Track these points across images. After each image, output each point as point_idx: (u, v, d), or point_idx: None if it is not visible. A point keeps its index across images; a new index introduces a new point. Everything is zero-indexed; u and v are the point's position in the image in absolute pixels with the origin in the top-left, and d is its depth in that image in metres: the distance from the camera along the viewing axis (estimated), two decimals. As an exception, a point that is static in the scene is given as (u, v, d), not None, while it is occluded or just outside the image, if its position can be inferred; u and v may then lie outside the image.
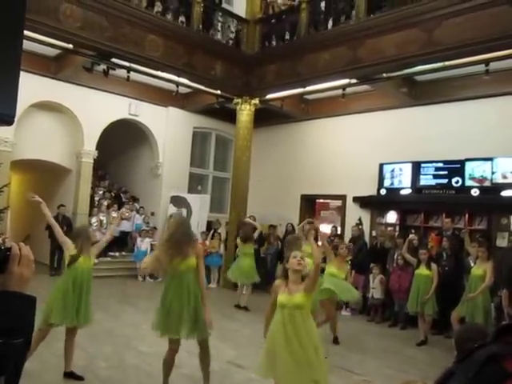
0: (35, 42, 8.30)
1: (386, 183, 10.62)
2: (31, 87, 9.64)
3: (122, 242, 12.34)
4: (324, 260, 6.45)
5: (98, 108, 11.46)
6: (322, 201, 12.71)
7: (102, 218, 11.99)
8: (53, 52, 9.96)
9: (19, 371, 1.14)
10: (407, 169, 10.28)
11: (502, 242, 8.80)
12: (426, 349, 6.89)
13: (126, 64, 9.61)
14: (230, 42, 10.82)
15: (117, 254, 12.11)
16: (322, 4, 9.88)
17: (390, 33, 8.28)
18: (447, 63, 8.19)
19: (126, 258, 12.20)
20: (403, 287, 8.01)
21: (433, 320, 7.37)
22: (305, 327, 3.63)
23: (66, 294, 4.62)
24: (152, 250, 11.52)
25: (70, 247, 4.77)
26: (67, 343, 4.75)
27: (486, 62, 7.85)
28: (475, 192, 9.13)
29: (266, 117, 12.15)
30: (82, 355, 5.29)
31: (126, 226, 12.21)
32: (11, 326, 1.11)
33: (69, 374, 4.74)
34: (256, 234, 9.32)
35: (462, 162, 9.41)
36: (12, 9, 1.42)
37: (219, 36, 10.66)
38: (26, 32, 7.59)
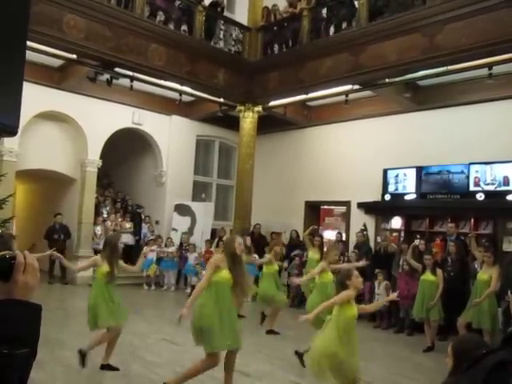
0: (39, 52, 8.37)
1: (391, 189, 10.60)
2: (35, 97, 9.70)
3: (126, 255, 12.29)
4: None
5: (101, 117, 11.52)
6: (326, 207, 12.69)
7: (109, 226, 12.04)
8: (56, 62, 10.04)
9: (24, 383, 1.13)
10: (411, 174, 10.25)
11: (508, 246, 8.75)
12: (432, 355, 6.83)
13: (129, 73, 9.66)
14: (233, 49, 10.86)
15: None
16: (324, 11, 9.93)
17: (392, 38, 8.29)
18: (450, 68, 8.18)
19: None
20: (409, 293, 7.96)
21: (439, 326, 7.31)
22: None
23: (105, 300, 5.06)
24: (158, 258, 11.54)
25: (98, 262, 4.99)
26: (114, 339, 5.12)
27: (489, 65, 7.84)
28: (480, 196, 9.10)
29: (269, 124, 12.16)
30: (88, 364, 5.28)
31: (128, 239, 12.22)
32: (16, 334, 1.11)
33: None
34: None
35: (467, 167, 9.38)
36: (15, 20, 1.43)
37: (221, 44, 10.72)
38: (29, 43, 7.67)
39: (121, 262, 5.33)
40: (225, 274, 4.23)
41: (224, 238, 11.27)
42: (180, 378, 4.33)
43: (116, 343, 5.20)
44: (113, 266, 5.05)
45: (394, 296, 4.96)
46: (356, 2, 9.10)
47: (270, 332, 7.58)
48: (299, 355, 5.58)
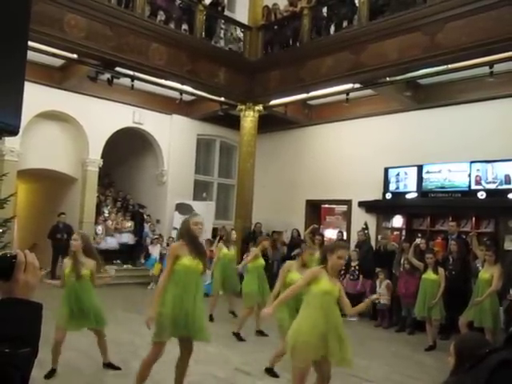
0: (40, 52, 8.37)
1: (392, 187, 10.60)
2: (36, 97, 9.71)
3: (126, 254, 12.31)
4: None
5: (102, 117, 11.53)
6: (327, 206, 12.69)
7: (110, 225, 12.06)
8: (57, 62, 10.04)
9: (26, 382, 1.14)
10: (412, 172, 10.25)
11: (509, 245, 8.75)
12: (434, 354, 6.83)
13: (130, 73, 9.67)
14: (233, 48, 10.86)
15: (124, 266, 12.10)
16: (324, 10, 9.92)
17: (393, 37, 8.29)
18: (450, 66, 8.18)
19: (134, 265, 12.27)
20: (410, 292, 7.96)
21: (440, 325, 7.31)
22: None
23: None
24: (161, 256, 11.54)
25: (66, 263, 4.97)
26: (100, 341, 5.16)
27: (490, 64, 7.84)
28: (481, 195, 9.09)
29: (269, 123, 12.16)
30: (89, 363, 5.29)
31: (127, 239, 12.23)
32: (18, 333, 1.11)
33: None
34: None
35: (468, 165, 9.38)
36: (16, 19, 1.43)
37: (222, 43, 10.71)
38: (30, 43, 7.67)
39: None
40: (186, 260, 3.93)
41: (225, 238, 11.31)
42: (137, 380, 4.14)
43: (105, 343, 5.19)
44: (75, 263, 4.87)
45: (374, 298, 4.68)
46: (356, 1, 9.09)
47: (236, 335, 7.08)
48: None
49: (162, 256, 11.58)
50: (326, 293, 3.68)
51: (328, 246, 3.98)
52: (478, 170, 9.28)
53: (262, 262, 7.37)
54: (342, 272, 9.32)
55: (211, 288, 8.66)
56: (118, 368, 5.22)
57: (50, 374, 4.79)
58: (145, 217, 12.91)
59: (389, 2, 8.62)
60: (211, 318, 7.90)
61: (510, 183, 8.85)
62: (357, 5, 9.06)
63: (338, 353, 3.77)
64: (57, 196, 12.62)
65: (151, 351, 4.04)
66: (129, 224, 12.46)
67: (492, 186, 9.06)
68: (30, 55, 8.33)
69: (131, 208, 13.23)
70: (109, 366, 5.23)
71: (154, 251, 11.69)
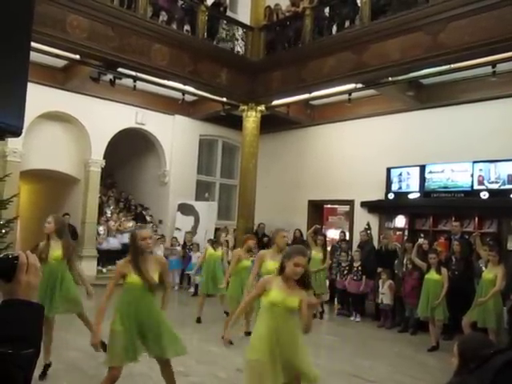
0: (42, 53, 8.38)
1: (394, 187, 10.58)
2: (39, 98, 9.73)
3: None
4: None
5: (104, 117, 11.54)
6: (329, 206, 12.68)
7: (112, 226, 12.07)
8: (60, 63, 10.05)
9: (28, 383, 1.14)
10: (415, 172, 10.24)
11: (512, 244, 8.73)
12: (437, 354, 6.82)
13: (133, 73, 9.67)
14: (235, 49, 10.86)
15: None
16: (326, 10, 9.91)
17: (395, 37, 8.27)
18: (453, 66, 8.16)
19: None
20: (413, 292, 7.94)
21: (444, 325, 7.29)
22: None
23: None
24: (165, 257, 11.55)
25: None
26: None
27: (493, 63, 7.82)
28: (484, 195, 9.07)
29: (272, 123, 12.16)
30: (91, 364, 5.29)
31: (127, 239, 12.22)
32: (21, 334, 1.11)
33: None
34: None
35: (471, 165, 9.36)
36: (19, 20, 1.43)
37: (224, 44, 10.71)
38: (33, 44, 7.67)
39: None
40: (131, 278, 3.73)
41: (226, 238, 11.31)
42: None
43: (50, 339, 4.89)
44: (47, 245, 4.89)
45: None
46: (358, 1, 9.07)
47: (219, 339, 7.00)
48: None
49: (165, 256, 11.58)
50: (274, 304, 3.30)
51: (286, 252, 3.53)
52: (480, 169, 9.26)
53: (246, 263, 7.04)
54: (345, 272, 9.33)
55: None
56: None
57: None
58: (147, 218, 12.89)
59: (391, 2, 8.60)
60: (199, 320, 7.86)
61: (512, 183, 8.83)
62: (359, 5, 9.05)
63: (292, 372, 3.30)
64: (59, 197, 12.64)
65: (106, 377, 3.80)
66: (130, 224, 12.47)
67: (495, 186, 9.04)
68: (33, 56, 8.35)
69: (133, 208, 13.25)
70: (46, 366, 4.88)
71: (157, 252, 11.67)
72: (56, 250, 4.84)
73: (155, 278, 3.82)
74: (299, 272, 3.32)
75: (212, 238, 11.79)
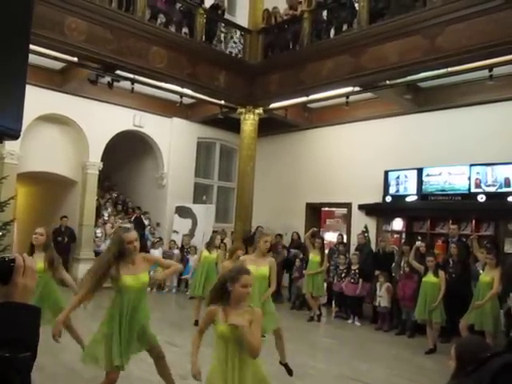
0: (40, 55, 8.38)
1: (392, 190, 10.60)
2: (37, 100, 9.72)
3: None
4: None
5: (102, 120, 11.54)
6: (327, 209, 12.69)
7: (109, 228, 12.04)
8: (58, 65, 10.05)
9: None
10: (412, 175, 10.26)
11: (510, 247, 8.75)
12: (434, 357, 6.82)
13: (131, 76, 9.68)
14: (233, 52, 10.87)
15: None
16: (324, 13, 9.94)
17: (393, 40, 8.30)
18: (450, 69, 8.18)
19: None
20: (410, 295, 7.95)
21: (441, 328, 7.30)
22: None
23: None
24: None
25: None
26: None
27: (490, 67, 7.84)
28: (481, 198, 9.09)
29: (270, 126, 12.17)
30: (89, 367, 5.26)
31: None
32: (17, 337, 1.11)
33: None
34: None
35: (468, 168, 9.38)
36: (17, 22, 1.43)
37: (222, 46, 10.73)
38: (31, 46, 7.68)
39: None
40: (124, 281, 3.75)
41: (225, 241, 11.31)
42: None
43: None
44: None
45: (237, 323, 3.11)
46: (356, 5, 9.10)
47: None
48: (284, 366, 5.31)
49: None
50: (220, 337, 2.96)
51: (228, 274, 3.05)
52: (477, 172, 9.28)
53: None
54: (343, 275, 9.33)
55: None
56: None
57: None
58: (146, 223, 12.73)
59: (388, 6, 8.63)
60: (197, 323, 7.72)
61: (509, 186, 8.85)
62: (357, 8, 9.07)
63: None
64: (57, 199, 12.62)
65: (104, 381, 3.86)
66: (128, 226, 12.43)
67: (492, 189, 9.06)
68: (31, 58, 8.33)
69: (131, 211, 13.22)
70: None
71: (155, 254, 11.63)
72: (38, 263, 4.70)
73: (145, 277, 3.87)
74: (247, 292, 2.98)
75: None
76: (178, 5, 10.06)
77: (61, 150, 11.68)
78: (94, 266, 3.94)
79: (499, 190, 8.98)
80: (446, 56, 7.69)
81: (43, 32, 7.60)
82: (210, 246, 8.66)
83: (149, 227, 12.73)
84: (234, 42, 10.85)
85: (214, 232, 11.36)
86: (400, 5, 8.39)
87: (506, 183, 8.90)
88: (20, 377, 1.10)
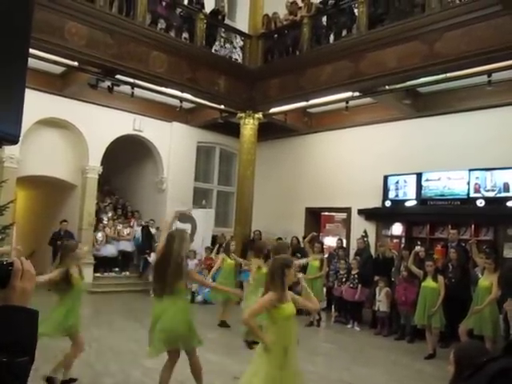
0: (41, 59, 8.41)
1: (391, 195, 10.60)
2: (37, 104, 9.74)
3: (124, 261, 12.24)
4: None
5: (102, 124, 11.55)
6: (327, 214, 12.69)
7: (108, 232, 12.04)
8: (58, 69, 10.08)
9: None
10: (412, 180, 10.26)
11: (508, 252, 8.74)
12: (434, 362, 6.81)
13: (131, 80, 9.70)
14: (233, 57, 10.91)
15: (122, 274, 12.06)
16: (324, 19, 9.98)
17: (392, 46, 8.33)
18: (449, 75, 8.21)
19: (133, 273, 12.24)
20: (409, 300, 7.94)
21: (440, 333, 7.29)
22: None
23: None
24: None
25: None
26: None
27: (488, 72, 7.87)
28: (480, 203, 9.10)
29: (269, 131, 12.19)
30: (88, 372, 5.26)
31: (125, 246, 12.19)
32: (15, 340, 1.11)
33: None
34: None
35: (467, 173, 9.39)
36: (17, 26, 1.43)
37: (222, 52, 10.76)
38: (31, 50, 7.70)
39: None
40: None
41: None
42: None
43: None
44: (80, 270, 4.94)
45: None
46: (356, 10, 9.14)
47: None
48: None
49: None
50: (286, 317, 3.53)
51: (283, 262, 3.65)
52: (477, 177, 9.29)
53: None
54: (344, 279, 9.32)
55: (209, 295, 8.68)
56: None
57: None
58: (153, 231, 12.61)
59: (387, 11, 8.67)
60: (223, 324, 8.17)
61: (508, 191, 8.86)
62: (356, 14, 9.12)
63: None
64: (56, 203, 12.62)
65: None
66: (128, 231, 12.43)
67: (491, 194, 9.07)
68: (31, 62, 8.36)
69: (130, 215, 13.20)
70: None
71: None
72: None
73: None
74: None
75: (209, 245, 11.80)
76: (179, 10, 10.10)
77: (60, 154, 11.69)
78: None
79: (498, 195, 8.99)
80: (445, 61, 7.72)
81: (43, 36, 7.63)
82: (228, 252, 8.79)
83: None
84: (234, 47, 10.88)
85: (220, 237, 11.43)
86: (399, 11, 8.43)
87: (505, 188, 8.90)
88: (18, 382, 1.10)
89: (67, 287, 4.62)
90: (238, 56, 10.97)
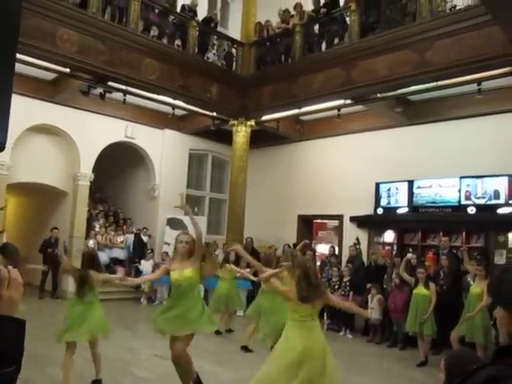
0: (32, 66, 8.39)
1: (383, 202, 10.64)
2: (28, 110, 9.71)
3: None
4: None
5: (94, 131, 11.50)
6: (319, 221, 12.70)
7: (100, 240, 11.96)
8: (50, 76, 10.04)
9: None
10: (403, 188, 10.31)
11: (499, 259, 8.79)
12: (426, 369, 6.80)
13: (123, 87, 9.69)
14: (225, 64, 10.94)
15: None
16: (316, 27, 10.06)
17: (383, 54, 8.41)
18: (440, 83, 8.29)
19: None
20: (398, 306, 7.95)
21: (432, 340, 7.29)
22: None
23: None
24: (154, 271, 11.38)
25: None
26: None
27: (478, 81, 7.96)
28: (471, 210, 9.15)
29: (261, 138, 12.21)
30: (78, 381, 5.19)
31: (118, 253, 12.11)
32: (1, 350, 1.09)
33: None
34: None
35: (458, 180, 9.45)
36: (3, 32, 1.42)
37: (215, 59, 10.79)
38: (22, 56, 7.70)
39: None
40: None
41: (217, 252, 11.27)
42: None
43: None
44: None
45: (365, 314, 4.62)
46: (347, 19, 9.23)
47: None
48: None
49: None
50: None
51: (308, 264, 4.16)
52: (467, 185, 9.36)
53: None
54: (336, 287, 9.32)
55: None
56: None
57: None
58: (145, 240, 12.59)
59: (379, 20, 8.75)
60: (219, 332, 8.04)
61: (498, 198, 8.93)
62: (348, 22, 9.20)
63: None
64: (47, 210, 12.53)
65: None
66: (121, 239, 12.35)
67: (482, 201, 9.13)
68: (23, 68, 8.35)
69: (122, 222, 13.14)
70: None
71: (146, 267, 11.56)
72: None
73: None
74: None
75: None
76: (171, 17, 10.12)
77: (52, 161, 11.62)
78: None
79: (489, 202, 9.05)
80: (436, 70, 7.81)
81: (35, 42, 7.63)
82: (227, 261, 8.84)
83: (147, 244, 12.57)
84: (217, 50, 10.83)
85: (213, 244, 11.42)
86: (390, 19, 8.51)
87: (496, 195, 8.97)
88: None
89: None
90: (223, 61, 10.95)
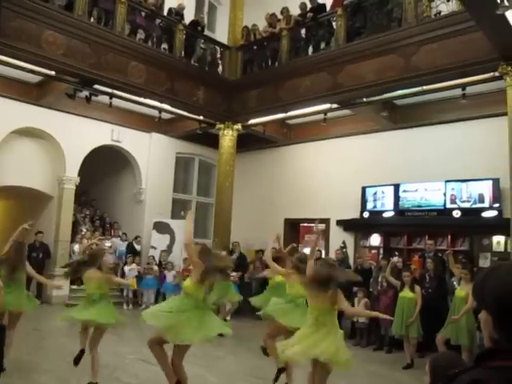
0: (17, 68, 8.30)
1: (369, 206, 10.70)
2: (13, 113, 9.60)
3: None
4: None
5: (80, 134, 11.41)
6: (305, 224, 12.72)
7: (86, 244, 11.80)
8: (35, 78, 9.95)
9: None
10: (389, 191, 10.38)
11: (484, 262, 8.89)
12: (412, 372, 6.83)
13: (109, 90, 9.63)
14: (212, 67, 10.93)
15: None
16: (303, 31, 10.10)
17: (369, 58, 8.47)
18: (425, 87, 8.38)
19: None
20: (387, 310, 7.97)
21: (418, 342, 7.33)
22: None
23: None
24: (137, 276, 11.31)
25: None
26: None
27: (463, 86, 8.06)
28: (457, 213, 9.24)
29: (248, 142, 12.22)
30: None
31: (106, 258, 11.96)
32: None
33: None
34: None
35: (443, 184, 9.55)
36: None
37: (201, 62, 10.77)
38: (7, 58, 7.62)
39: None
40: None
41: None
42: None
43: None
44: None
45: (380, 315, 4.94)
46: (334, 23, 9.29)
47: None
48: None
49: (141, 275, 11.36)
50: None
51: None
52: (452, 189, 9.46)
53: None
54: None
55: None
56: None
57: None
58: (138, 248, 12.44)
59: (365, 25, 8.83)
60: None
61: (483, 202, 9.03)
62: (334, 27, 9.25)
63: None
64: (32, 214, 12.31)
65: None
66: (109, 244, 12.22)
67: (466, 205, 9.23)
68: (7, 71, 8.28)
69: (108, 226, 13.04)
70: None
71: (131, 272, 11.42)
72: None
73: None
74: None
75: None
76: (158, 21, 10.09)
77: (37, 164, 11.49)
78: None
79: (473, 206, 9.15)
80: (421, 75, 7.89)
81: (20, 44, 7.55)
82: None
83: (126, 242, 12.50)
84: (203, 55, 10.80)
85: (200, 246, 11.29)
86: (376, 24, 8.59)
87: (480, 199, 9.08)
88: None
89: None
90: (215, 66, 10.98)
